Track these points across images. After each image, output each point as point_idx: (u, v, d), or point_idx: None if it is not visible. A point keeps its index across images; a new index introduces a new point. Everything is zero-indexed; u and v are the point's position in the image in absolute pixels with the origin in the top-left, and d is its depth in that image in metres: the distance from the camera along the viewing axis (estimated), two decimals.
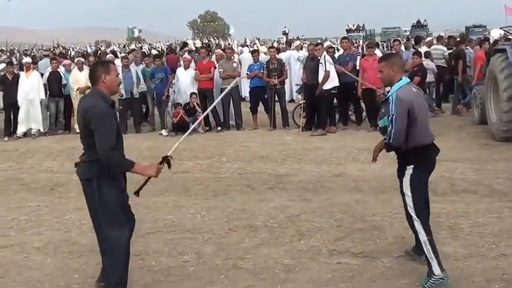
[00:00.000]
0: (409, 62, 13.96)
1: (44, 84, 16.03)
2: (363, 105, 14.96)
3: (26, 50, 35.52)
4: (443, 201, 8.33)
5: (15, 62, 21.66)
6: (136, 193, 5.98)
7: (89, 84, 15.98)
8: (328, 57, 14.05)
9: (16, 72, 16.68)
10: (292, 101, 18.82)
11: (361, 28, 60.26)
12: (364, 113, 15.09)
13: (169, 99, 15.80)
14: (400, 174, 5.95)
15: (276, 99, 15.43)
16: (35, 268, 6.50)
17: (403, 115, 5.65)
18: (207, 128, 15.74)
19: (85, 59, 17.76)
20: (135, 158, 11.83)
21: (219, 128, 15.53)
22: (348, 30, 58.38)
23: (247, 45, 33.69)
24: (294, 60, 19.42)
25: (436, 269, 5.54)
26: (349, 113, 15.38)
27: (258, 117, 15.77)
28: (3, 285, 6.12)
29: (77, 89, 15.91)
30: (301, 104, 14.93)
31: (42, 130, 15.90)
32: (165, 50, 31.50)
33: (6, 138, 15.58)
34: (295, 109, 15.64)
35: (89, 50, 35.97)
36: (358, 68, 14.60)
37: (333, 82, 13.95)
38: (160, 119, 15.89)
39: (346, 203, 8.37)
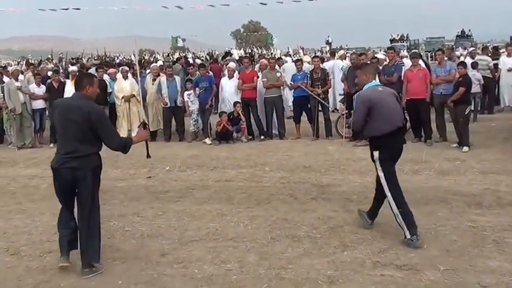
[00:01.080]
0: (452, 73, 13.77)
1: None
2: (406, 116, 14.82)
3: (72, 58, 36.01)
4: (488, 214, 8.18)
5: (61, 70, 22.01)
6: (149, 156, 7.61)
7: (134, 92, 16.03)
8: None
9: (62, 80, 16.95)
10: (335, 110, 18.74)
11: (404, 38, 59.78)
12: (408, 124, 14.94)
13: (212, 108, 15.90)
14: (372, 157, 7.38)
15: (320, 108, 15.37)
16: (79, 273, 6.53)
17: (361, 109, 7.27)
18: (250, 137, 15.77)
19: (129, 68, 17.93)
20: (178, 166, 12.03)
21: (262, 137, 15.54)
22: (392, 40, 57.96)
23: (290, 55, 33.65)
24: (338, 69, 19.33)
25: (407, 234, 6.99)
26: None
27: (301, 126, 15.73)
28: None
29: (122, 97, 16.15)
30: (344, 113, 14.82)
31: None
32: (208, 58, 31.71)
33: (51, 145, 15.81)
34: (338, 119, 15.55)
35: (133, 59, 36.34)
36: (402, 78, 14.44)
37: None
38: (203, 128, 15.95)
39: (390, 214, 8.25)
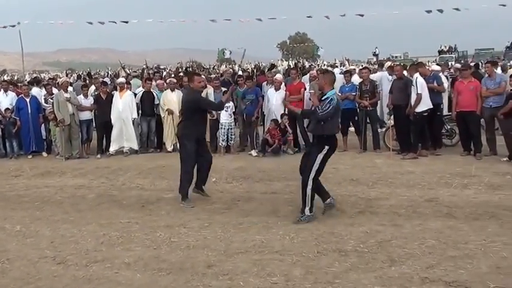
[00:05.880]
0: (502, 85, 13.53)
1: (137, 104, 16.45)
2: (456, 128, 14.62)
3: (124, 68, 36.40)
4: None
5: (109, 82, 22.37)
6: None
7: (179, 104, 16.34)
8: (420, 79, 13.76)
9: (109, 92, 17.19)
10: (384, 124, 18.56)
11: (453, 49, 59.18)
12: (457, 137, 14.74)
13: (258, 120, 15.85)
14: (315, 151, 8.88)
15: (368, 121, 15.25)
16: (124, 284, 6.59)
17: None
18: (297, 149, 15.71)
19: (177, 80, 18.06)
20: (224, 178, 12.03)
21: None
22: (440, 51, 57.46)
23: (336, 66, 33.56)
24: (386, 81, 19.14)
25: (308, 211, 8.74)
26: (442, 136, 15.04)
27: (348, 139, 15.62)
28: None
29: (166, 110, 16.23)
30: (391, 126, 14.67)
31: (135, 148, 16.29)
32: (254, 70, 31.81)
33: (99, 156, 16.07)
34: (385, 131, 15.40)
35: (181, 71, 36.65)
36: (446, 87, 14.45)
37: (426, 105, 13.64)
38: (249, 140, 15.94)
39: (439, 229, 8.12)
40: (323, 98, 8.88)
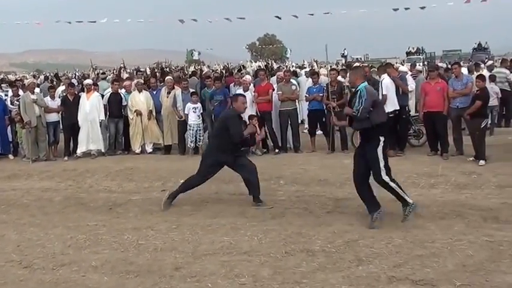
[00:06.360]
0: (468, 86, 13.69)
1: (104, 105, 16.31)
2: (423, 128, 14.75)
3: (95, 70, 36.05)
4: (505, 228, 8.09)
5: (76, 83, 22.16)
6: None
7: (148, 106, 16.08)
8: (386, 80, 13.86)
9: (77, 93, 17.02)
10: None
11: (421, 51, 59.73)
12: (424, 137, 14.86)
13: None
14: (372, 148, 8.50)
15: None
16: (91, 287, 6.56)
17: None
18: (265, 150, 15.71)
19: (145, 81, 17.94)
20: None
21: (276, 151, 15.50)
22: (408, 53, 57.96)
23: (304, 68, 33.63)
24: None
25: (409, 200, 8.51)
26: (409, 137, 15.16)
27: (316, 140, 15.67)
28: None
29: (135, 111, 16.13)
30: None
31: (102, 150, 16.16)
32: (223, 71, 31.75)
33: (66, 158, 15.90)
34: (353, 132, 15.46)
35: (148, 72, 36.41)
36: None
37: (392, 105, 13.72)
38: None
39: (406, 229, 8.19)
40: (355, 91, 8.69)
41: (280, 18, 31.47)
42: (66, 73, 47.04)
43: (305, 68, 33.56)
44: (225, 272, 6.79)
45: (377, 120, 8.48)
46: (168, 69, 35.15)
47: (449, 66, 20.95)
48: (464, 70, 16.99)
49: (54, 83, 24.86)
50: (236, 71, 28.16)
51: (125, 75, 25.70)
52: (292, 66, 39.64)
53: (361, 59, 60.40)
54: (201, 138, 15.79)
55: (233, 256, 7.37)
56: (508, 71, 18.84)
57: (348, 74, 9.75)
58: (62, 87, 19.49)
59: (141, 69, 35.63)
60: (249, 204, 9.95)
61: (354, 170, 8.92)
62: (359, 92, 8.45)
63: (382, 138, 8.47)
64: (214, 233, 8.40)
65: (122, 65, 33.19)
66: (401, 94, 14.34)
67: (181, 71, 33.61)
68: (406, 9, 24.53)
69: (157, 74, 26.34)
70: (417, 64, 26.40)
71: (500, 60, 23.06)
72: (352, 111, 8.49)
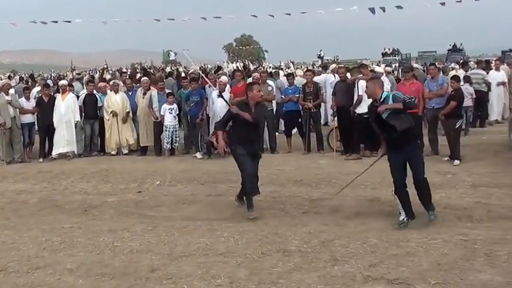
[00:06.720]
0: (444, 87, 13.80)
1: (80, 107, 16.20)
2: None
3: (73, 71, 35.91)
4: (479, 227, 8.20)
5: (51, 84, 21.97)
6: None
7: (124, 107, 16.00)
8: (362, 82, 13.93)
9: (52, 94, 16.88)
10: (326, 124, 18.71)
11: (396, 52, 60.07)
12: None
13: (203, 122, 15.72)
14: (416, 152, 8.72)
15: (311, 122, 15.35)
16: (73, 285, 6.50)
17: None
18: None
19: (124, 82, 17.84)
20: (168, 180, 11.99)
21: None
22: (384, 54, 58.30)
23: (281, 69, 33.74)
24: (329, 83, 19.29)
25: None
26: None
27: (293, 140, 15.70)
28: None
29: (111, 112, 16.06)
30: (335, 127, 14.80)
31: (76, 152, 16.05)
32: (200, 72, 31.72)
33: (41, 160, 15.76)
34: (329, 133, 15.53)
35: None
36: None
37: (366, 106, 13.78)
38: (194, 142, 15.84)
39: (381, 228, 8.24)
40: (382, 100, 8.48)
41: (256, 16, 31.35)
42: (42, 74, 46.76)
43: (282, 69, 33.68)
44: (201, 274, 6.78)
45: (411, 119, 8.74)
46: (152, 70, 35.11)
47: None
48: None
49: (30, 83, 24.64)
50: (213, 72, 28.15)
51: (107, 76, 25.66)
52: (269, 67, 39.70)
53: (331, 60, 60.57)
54: (177, 139, 15.76)
55: (209, 257, 7.35)
56: (484, 72, 19.14)
57: (366, 84, 9.61)
58: (37, 88, 19.40)
59: (124, 70, 35.55)
60: (226, 206, 9.94)
61: (397, 176, 8.74)
62: (390, 96, 8.49)
63: (419, 141, 9.13)
64: (190, 234, 8.38)
65: (105, 66, 33.17)
66: None
67: (162, 72, 33.60)
68: (382, 9, 24.57)
69: (140, 74, 26.20)
70: (390, 65, 26.67)
71: (476, 62, 23.41)
72: (408, 99, 8.47)
